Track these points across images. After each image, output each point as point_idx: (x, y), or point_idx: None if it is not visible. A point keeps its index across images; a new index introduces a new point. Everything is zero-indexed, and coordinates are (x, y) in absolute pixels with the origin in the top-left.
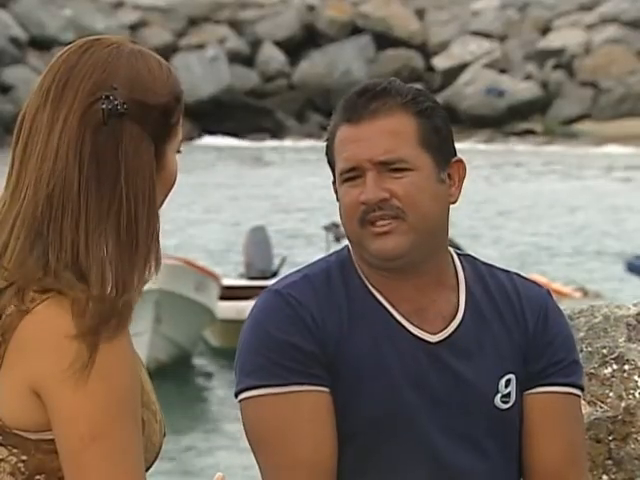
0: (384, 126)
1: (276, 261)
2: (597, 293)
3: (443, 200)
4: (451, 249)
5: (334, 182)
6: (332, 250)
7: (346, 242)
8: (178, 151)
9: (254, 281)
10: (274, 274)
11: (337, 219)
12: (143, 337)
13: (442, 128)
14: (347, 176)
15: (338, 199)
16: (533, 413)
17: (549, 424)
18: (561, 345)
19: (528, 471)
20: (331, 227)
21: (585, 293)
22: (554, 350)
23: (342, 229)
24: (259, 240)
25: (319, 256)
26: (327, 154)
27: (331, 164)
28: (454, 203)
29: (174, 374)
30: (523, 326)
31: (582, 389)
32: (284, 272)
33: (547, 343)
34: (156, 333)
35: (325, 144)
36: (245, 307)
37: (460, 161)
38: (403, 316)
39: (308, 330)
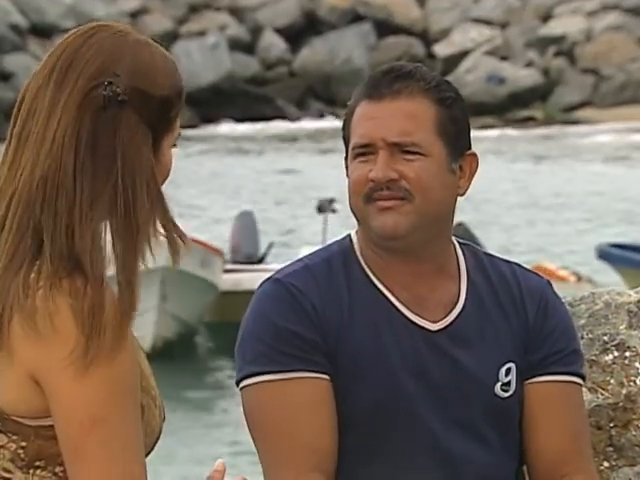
0: (403, 108)
1: (263, 246)
2: (589, 278)
3: (451, 190)
4: (454, 238)
5: (347, 157)
6: (328, 224)
7: (329, 214)
8: (174, 145)
9: (239, 265)
10: (261, 259)
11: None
12: (149, 315)
13: (460, 120)
14: (359, 151)
15: (348, 174)
16: (535, 402)
17: (551, 413)
18: (561, 335)
19: (531, 460)
20: (324, 201)
21: (579, 278)
22: (554, 340)
23: (333, 205)
24: (246, 225)
25: (316, 238)
26: (343, 129)
27: (346, 139)
28: (462, 195)
29: (180, 351)
30: (523, 316)
31: (583, 378)
32: (271, 257)
33: (547, 333)
34: (162, 311)
35: (343, 119)
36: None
37: (474, 155)
38: (403, 304)
39: (309, 318)
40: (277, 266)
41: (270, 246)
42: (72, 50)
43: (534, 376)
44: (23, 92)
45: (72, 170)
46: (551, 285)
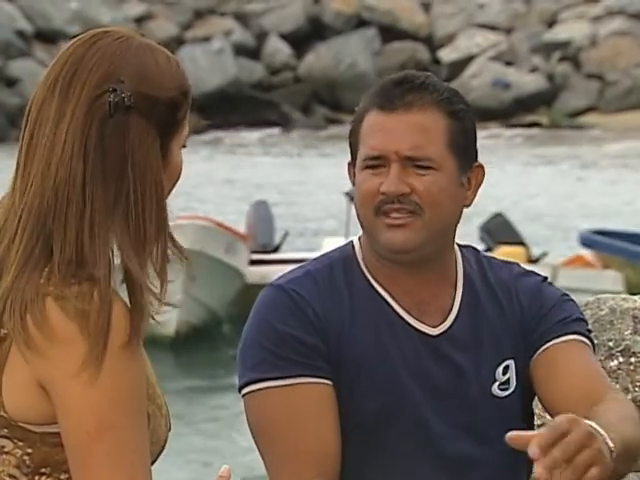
0: (416, 121)
1: (278, 236)
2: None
3: (459, 203)
4: (455, 244)
5: (350, 164)
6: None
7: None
8: (183, 146)
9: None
10: (276, 248)
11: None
12: (174, 299)
13: (470, 132)
14: (370, 163)
15: (353, 182)
16: (545, 364)
17: (565, 365)
18: (557, 312)
19: (556, 410)
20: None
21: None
22: (550, 317)
23: None
24: (261, 214)
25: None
26: (351, 136)
27: (353, 146)
28: (468, 207)
29: (205, 339)
30: (519, 310)
31: (589, 339)
32: (286, 247)
33: (542, 315)
34: (187, 295)
35: (350, 126)
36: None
37: (480, 166)
38: (404, 309)
39: (311, 324)
40: (294, 255)
41: (285, 235)
42: (75, 59)
43: (537, 349)
44: (30, 103)
45: (82, 179)
46: (547, 280)
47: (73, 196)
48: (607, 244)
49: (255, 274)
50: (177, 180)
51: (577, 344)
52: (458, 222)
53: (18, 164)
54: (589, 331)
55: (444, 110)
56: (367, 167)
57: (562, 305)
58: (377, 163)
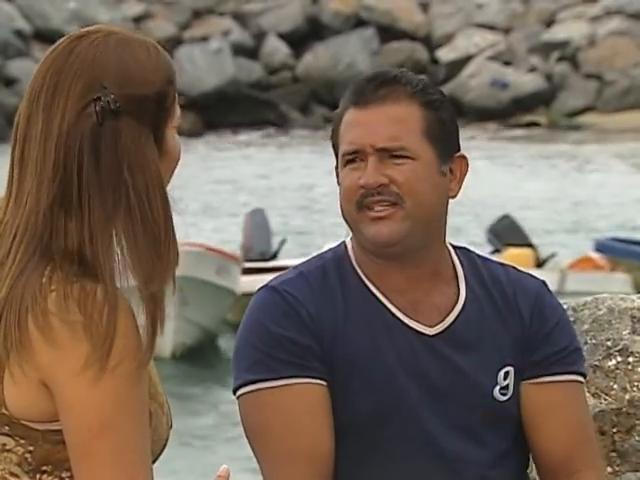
0: (390, 113)
1: (275, 243)
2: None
3: (442, 192)
4: (448, 243)
5: (337, 167)
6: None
7: None
8: (179, 133)
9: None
10: (273, 256)
11: None
12: (168, 323)
13: (448, 122)
14: (349, 158)
15: (339, 182)
16: (538, 403)
17: (555, 413)
18: (560, 334)
19: (539, 460)
20: None
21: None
22: (554, 340)
23: None
24: (258, 222)
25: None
26: (332, 137)
27: (335, 147)
28: (454, 197)
29: (200, 357)
30: (518, 318)
31: (584, 376)
32: (283, 254)
33: (546, 334)
34: (181, 318)
35: (331, 127)
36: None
37: (463, 157)
38: (399, 309)
39: (304, 325)
40: (291, 262)
41: (282, 242)
42: (55, 71)
43: (535, 377)
44: (17, 119)
45: (77, 192)
46: (547, 286)
47: (70, 210)
48: (624, 249)
49: (250, 284)
50: (177, 162)
51: (575, 387)
52: (446, 215)
53: (11, 178)
54: (583, 360)
55: (419, 101)
56: (347, 163)
57: (563, 327)
58: (355, 157)
